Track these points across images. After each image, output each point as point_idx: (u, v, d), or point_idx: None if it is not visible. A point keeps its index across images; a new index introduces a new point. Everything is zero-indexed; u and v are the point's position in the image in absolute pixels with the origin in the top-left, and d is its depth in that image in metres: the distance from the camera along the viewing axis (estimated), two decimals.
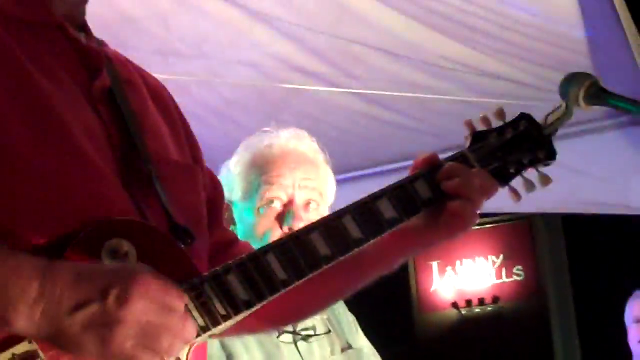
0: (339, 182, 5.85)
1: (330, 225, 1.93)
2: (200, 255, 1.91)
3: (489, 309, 10.31)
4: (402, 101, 5.17)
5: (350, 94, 5.10)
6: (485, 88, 4.90)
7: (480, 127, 2.15)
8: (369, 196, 2.01)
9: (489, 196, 2.08)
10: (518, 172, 2.15)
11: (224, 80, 4.92)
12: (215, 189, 2.21)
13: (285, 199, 2.96)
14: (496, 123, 2.15)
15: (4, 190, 1.64)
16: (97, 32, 4.44)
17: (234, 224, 3.01)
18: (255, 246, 2.94)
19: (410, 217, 2.02)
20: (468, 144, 2.14)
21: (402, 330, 10.20)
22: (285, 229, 2.91)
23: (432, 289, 10.52)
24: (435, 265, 10.46)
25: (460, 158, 2.11)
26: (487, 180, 2.08)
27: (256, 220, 2.96)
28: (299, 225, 2.88)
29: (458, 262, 10.39)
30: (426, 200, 2.05)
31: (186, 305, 1.69)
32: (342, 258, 1.92)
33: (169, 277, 1.67)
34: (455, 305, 10.40)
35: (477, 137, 2.14)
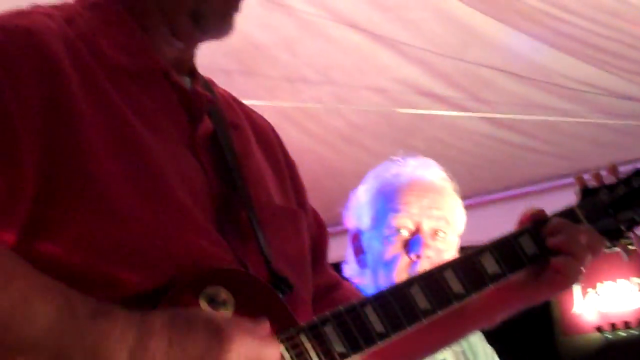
0: (469, 207, 5.84)
1: (430, 279, 1.91)
2: (301, 300, 1.90)
3: (636, 332, 10.03)
4: (530, 124, 5.12)
5: (479, 118, 5.07)
6: (614, 109, 4.82)
7: (592, 184, 2.12)
8: (473, 251, 1.99)
9: (596, 254, 2.02)
10: (629, 229, 2.09)
11: (352, 106, 4.95)
12: (320, 230, 2.17)
13: (412, 227, 2.94)
14: (609, 179, 2.11)
15: (104, 239, 1.63)
16: (226, 59, 4.53)
17: (362, 252, 3.04)
18: (383, 274, 2.97)
19: (514, 273, 1.99)
20: (578, 199, 2.10)
21: (544, 353, 10.04)
22: (413, 256, 2.90)
23: (574, 311, 10.28)
24: (577, 286, 10.23)
25: (568, 214, 2.07)
26: (594, 238, 2.03)
27: (384, 248, 2.96)
28: (426, 252, 2.90)
29: (599, 284, 10.15)
30: (531, 256, 2.01)
31: (282, 356, 1.69)
32: (441, 313, 1.90)
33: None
34: (599, 328, 10.15)
35: (587, 193, 2.09)
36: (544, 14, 4.18)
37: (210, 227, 1.77)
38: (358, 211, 3.04)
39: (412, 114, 4.92)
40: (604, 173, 2.11)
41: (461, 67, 4.59)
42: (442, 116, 4.94)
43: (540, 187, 5.85)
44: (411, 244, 2.92)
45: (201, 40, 1.88)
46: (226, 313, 1.67)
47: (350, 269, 3.05)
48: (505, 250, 1.99)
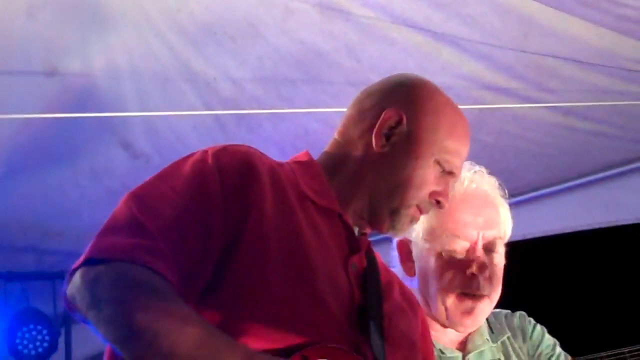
0: (543, 197, 5.86)
1: None
2: None
3: None
4: (599, 110, 5.11)
5: (546, 107, 5.06)
6: None
7: None
8: None
9: None
10: None
11: None
12: None
13: (467, 246, 2.92)
14: None
15: (251, 299, 2.02)
16: (289, 69, 4.59)
17: (411, 261, 3.01)
18: (433, 287, 2.97)
19: None
20: None
21: None
22: (468, 273, 2.87)
23: None
24: None
25: None
26: None
27: (437, 263, 2.93)
28: (482, 268, 2.88)
29: None
30: None
31: None
32: None
33: None
34: None
35: None
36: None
37: (342, 322, 2.12)
38: None
39: (478, 108, 4.93)
40: None
41: (523, 58, 4.59)
42: (509, 108, 4.94)
43: (615, 172, 5.82)
44: (469, 262, 2.91)
45: (385, 232, 2.36)
46: None
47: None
48: None
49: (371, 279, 2.29)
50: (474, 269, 2.88)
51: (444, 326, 2.95)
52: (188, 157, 2.18)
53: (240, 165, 2.12)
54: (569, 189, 5.90)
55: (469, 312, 2.90)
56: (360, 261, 2.28)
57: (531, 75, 4.79)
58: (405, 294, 2.52)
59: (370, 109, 2.36)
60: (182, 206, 2.04)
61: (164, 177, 2.13)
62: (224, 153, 2.15)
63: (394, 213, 2.29)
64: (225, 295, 2.02)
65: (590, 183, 5.85)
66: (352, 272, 2.23)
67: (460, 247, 2.91)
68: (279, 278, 2.05)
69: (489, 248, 2.94)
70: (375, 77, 4.76)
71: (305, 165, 2.34)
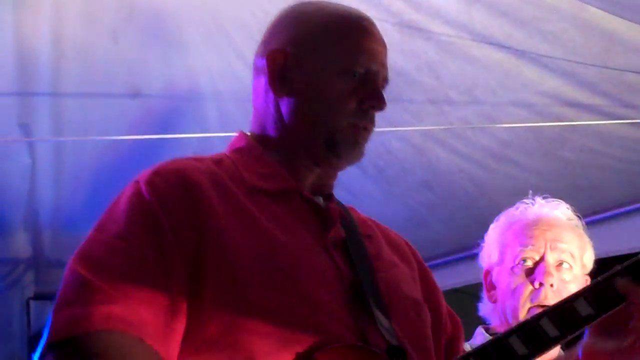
0: (629, 213, 5.77)
1: (528, 328, 2.00)
2: None
3: None
4: None
5: (629, 124, 5.00)
6: None
7: None
8: (566, 298, 2.07)
9: None
10: None
11: (499, 123, 4.95)
12: (456, 331, 2.34)
13: (537, 258, 3.09)
14: None
15: (238, 323, 1.87)
16: None
17: (493, 288, 3.19)
18: (509, 305, 3.05)
19: (608, 311, 2.04)
20: None
21: None
22: (536, 285, 3.05)
23: None
24: None
25: None
26: None
27: (510, 279, 3.11)
28: (549, 280, 3.03)
29: None
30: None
31: None
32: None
33: None
34: None
35: None
36: None
37: (339, 309, 1.98)
38: (488, 248, 3.23)
39: (561, 125, 4.89)
40: None
41: (605, 74, 4.54)
42: (591, 125, 4.90)
43: None
44: (534, 272, 3.07)
45: (337, 166, 2.15)
46: None
47: (483, 308, 3.22)
48: (598, 291, 2.06)
49: (355, 248, 2.13)
50: (539, 279, 3.04)
51: None
52: (120, 196, 2.02)
53: (179, 189, 1.96)
54: None
55: None
56: (338, 233, 2.12)
57: (614, 92, 4.73)
58: (392, 241, 2.31)
59: (259, 62, 2.18)
60: (132, 251, 1.89)
61: (103, 227, 1.97)
62: (157, 179, 1.98)
63: (330, 143, 2.08)
64: (210, 331, 1.89)
65: None
66: (333, 249, 2.07)
67: (528, 256, 3.08)
68: (259, 292, 1.90)
69: (559, 264, 3.10)
70: (455, 95, 4.79)
71: (246, 151, 2.17)
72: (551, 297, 2.98)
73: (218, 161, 2.12)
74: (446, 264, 6.26)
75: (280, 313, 1.90)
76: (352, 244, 2.12)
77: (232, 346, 1.87)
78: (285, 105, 2.12)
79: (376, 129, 2.14)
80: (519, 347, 1.96)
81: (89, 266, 1.87)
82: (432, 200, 5.69)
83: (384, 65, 2.14)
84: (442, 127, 4.93)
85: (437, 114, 4.78)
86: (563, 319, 2.01)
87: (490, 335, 3.13)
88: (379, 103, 2.09)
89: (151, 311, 1.84)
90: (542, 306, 2.94)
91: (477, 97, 4.78)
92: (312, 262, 2.00)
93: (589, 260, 3.19)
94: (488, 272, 3.22)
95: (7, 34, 4.50)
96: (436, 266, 6.24)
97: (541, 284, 3.02)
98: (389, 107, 2.11)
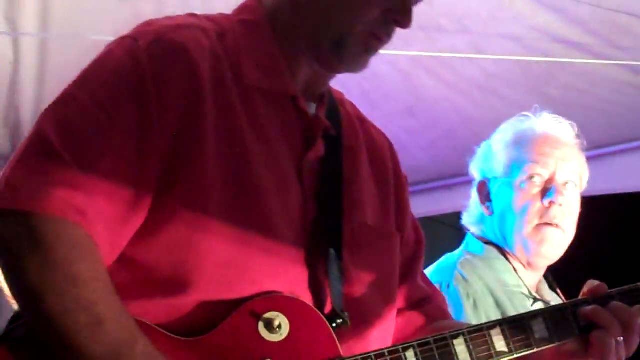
0: (608, 154, 5.78)
1: (476, 335, 1.99)
2: (359, 336, 1.99)
3: None
4: None
5: (617, 65, 4.99)
6: None
7: None
8: (526, 314, 2.09)
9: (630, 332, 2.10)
10: None
11: (487, 54, 4.93)
12: (418, 246, 2.30)
13: (546, 176, 3.09)
14: None
15: (191, 244, 1.82)
16: None
17: (489, 200, 3.15)
18: (513, 220, 3.03)
19: (562, 340, 2.08)
20: None
21: None
22: (546, 203, 3.05)
23: None
24: None
25: (633, 291, 2.18)
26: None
27: (516, 195, 3.09)
28: (560, 199, 3.03)
29: None
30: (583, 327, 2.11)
31: None
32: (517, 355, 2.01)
33: (312, 356, 1.85)
34: None
35: None
36: None
37: (295, 251, 1.92)
38: (489, 160, 3.18)
39: (548, 61, 4.88)
40: None
41: (598, 13, 4.52)
42: (578, 64, 4.89)
43: None
44: (546, 191, 3.02)
45: (335, 69, 2.04)
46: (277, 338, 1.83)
47: (469, 217, 3.18)
48: (558, 317, 2.10)
49: (330, 174, 2.04)
50: (550, 198, 3.04)
51: (524, 267, 3.11)
52: (112, 49, 1.89)
53: (178, 68, 1.85)
54: (634, 148, 5.83)
55: (546, 240, 3.04)
56: (318, 152, 2.03)
57: (604, 32, 4.71)
58: (374, 145, 2.22)
59: None
60: (109, 128, 1.78)
61: (86, 83, 1.85)
62: (158, 49, 1.86)
63: (339, 43, 1.96)
64: (167, 228, 1.82)
65: None
66: (308, 174, 2.00)
67: (538, 174, 3.08)
68: (221, 205, 1.84)
69: (565, 183, 3.11)
70: (445, 22, 4.74)
71: (253, 30, 2.02)
72: (560, 216, 3.00)
73: (221, 35, 1.99)
74: (423, 191, 6.27)
75: (235, 234, 1.85)
76: (328, 166, 2.04)
77: (184, 248, 1.82)
78: None
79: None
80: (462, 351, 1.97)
81: (61, 134, 1.75)
82: (414, 126, 5.68)
83: None
84: (430, 55, 4.90)
85: (426, 40, 4.75)
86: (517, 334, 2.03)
87: (485, 243, 3.13)
88: (404, 19, 1.97)
89: (112, 205, 1.76)
90: (550, 224, 2.99)
91: (467, 27, 4.75)
92: (281, 187, 1.94)
93: (585, 181, 3.21)
94: (484, 184, 3.19)
95: None
96: (413, 193, 6.26)
97: (551, 203, 3.03)
98: None
